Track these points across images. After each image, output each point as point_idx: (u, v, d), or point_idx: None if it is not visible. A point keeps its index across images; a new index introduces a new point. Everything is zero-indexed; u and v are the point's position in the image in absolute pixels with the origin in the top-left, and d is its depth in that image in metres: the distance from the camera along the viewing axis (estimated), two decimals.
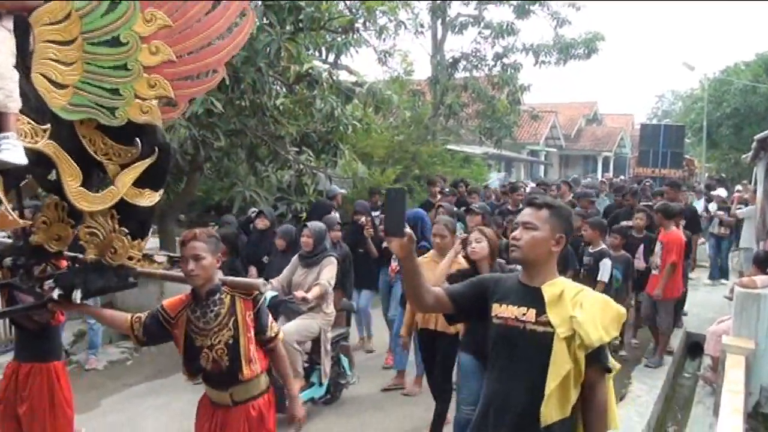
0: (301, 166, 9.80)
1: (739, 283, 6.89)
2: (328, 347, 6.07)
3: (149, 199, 3.27)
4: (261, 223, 7.74)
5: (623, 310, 2.68)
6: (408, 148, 15.84)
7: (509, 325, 2.72)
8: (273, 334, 3.59)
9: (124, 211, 3.20)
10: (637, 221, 8.48)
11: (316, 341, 5.99)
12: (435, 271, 5.14)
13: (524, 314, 2.69)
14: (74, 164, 2.93)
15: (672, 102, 55.05)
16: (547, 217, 2.73)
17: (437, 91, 17.98)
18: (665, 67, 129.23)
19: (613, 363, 2.70)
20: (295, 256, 6.26)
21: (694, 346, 8.93)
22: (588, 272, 7.35)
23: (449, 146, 18.20)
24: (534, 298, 2.69)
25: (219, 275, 3.54)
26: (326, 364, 6.05)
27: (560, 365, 2.56)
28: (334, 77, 9.80)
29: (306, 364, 6.02)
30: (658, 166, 23.99)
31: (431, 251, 5.74)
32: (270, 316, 3.63)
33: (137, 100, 3.01)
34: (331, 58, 10.87)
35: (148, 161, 3.18)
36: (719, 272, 12.96)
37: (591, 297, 2.68)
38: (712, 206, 13.85)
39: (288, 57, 8.78)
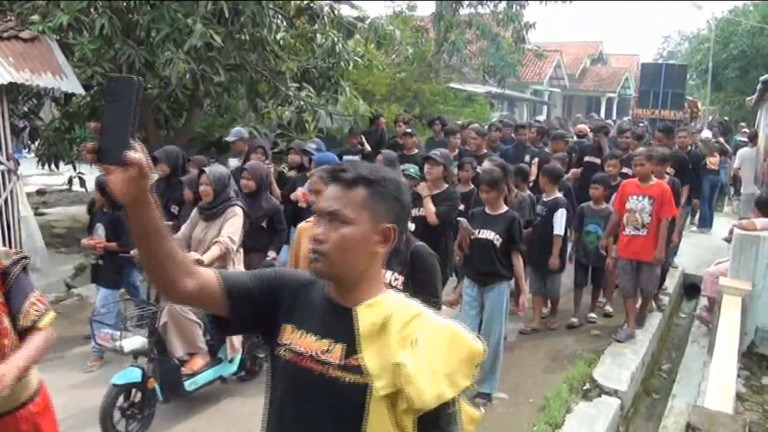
0: (302, 103, 9.70)
1: (738, 225, 6.90)
2: None
3: None
4: (159, 169, 6.44)
5: (479, 346, 1.68)
6: (410, 85, 15.70)
7: (303, 365, 1.73)
8: (29, 323, 2.52)
9: None
10: (609, 168, 7.62)
11: None
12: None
13: (327, 351, 1.71)
14: None
15: (678, 43, 54.12)
16: (365, 199, 1.71)
17: (441, 28, 17.68)
18: (673, 6, 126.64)
19: (471, 414, 1.82)
20: (195, 209, 5.30)
21: (691, 287, 9.00)
22: (542, 224, 6.72)
23: (452, 85, 18.01)
24: (344, 327, 1.71)
25: None
26: (233, 337, 5.19)
27: None
28: (336, 11, 9.62)
29: (209, 338, 5.21)
30: (658, 107, 23.55)
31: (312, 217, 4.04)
32: (33, 295, 2.58)
33: None
34: None
35: None
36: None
37: (431, 328, 1.68)
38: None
39: None
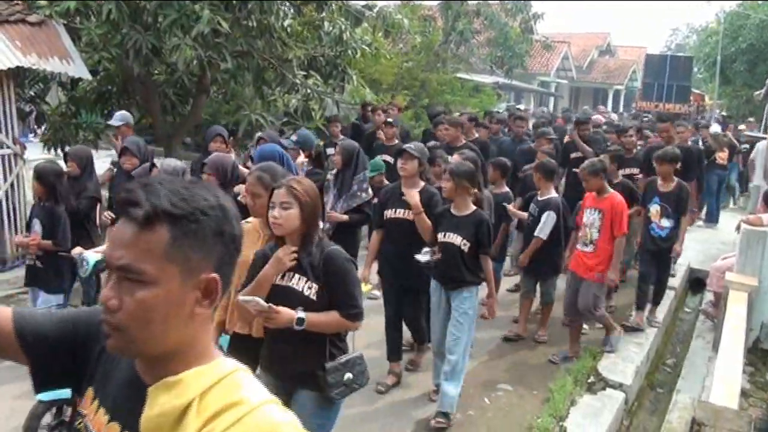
0: (309, 91, 9.67)
1: (745, 220, 6.88)
2: None
3: None
4: (128, 163, 5.93)
5: None
6: (417, 75, 15.66)
7: None
8: None
9: None
10: (611, 166, 6.98)
11: None
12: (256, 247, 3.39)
13: None
14: None
15: (686, 35, 53.89)
16: (169, 245, 1.16)
17: (449, 17, 17.59)
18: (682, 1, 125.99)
19: None
20: None
21: (696, 282, 8.98)
22: (533, 225, 6.25)
23: (459, 75, 17.95)
24: (138, 410, 1.19)
25: None
26: None
27: None
28: None
29: None
30: (662, 100, 23.18)
31: (251, 217, 3.71)
32: None
33: None
34: None
35: None
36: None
37: (245, 427, 1.14)
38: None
39: None
